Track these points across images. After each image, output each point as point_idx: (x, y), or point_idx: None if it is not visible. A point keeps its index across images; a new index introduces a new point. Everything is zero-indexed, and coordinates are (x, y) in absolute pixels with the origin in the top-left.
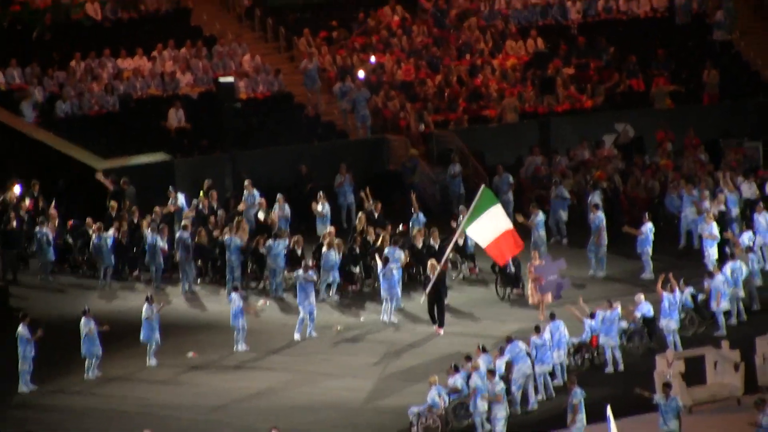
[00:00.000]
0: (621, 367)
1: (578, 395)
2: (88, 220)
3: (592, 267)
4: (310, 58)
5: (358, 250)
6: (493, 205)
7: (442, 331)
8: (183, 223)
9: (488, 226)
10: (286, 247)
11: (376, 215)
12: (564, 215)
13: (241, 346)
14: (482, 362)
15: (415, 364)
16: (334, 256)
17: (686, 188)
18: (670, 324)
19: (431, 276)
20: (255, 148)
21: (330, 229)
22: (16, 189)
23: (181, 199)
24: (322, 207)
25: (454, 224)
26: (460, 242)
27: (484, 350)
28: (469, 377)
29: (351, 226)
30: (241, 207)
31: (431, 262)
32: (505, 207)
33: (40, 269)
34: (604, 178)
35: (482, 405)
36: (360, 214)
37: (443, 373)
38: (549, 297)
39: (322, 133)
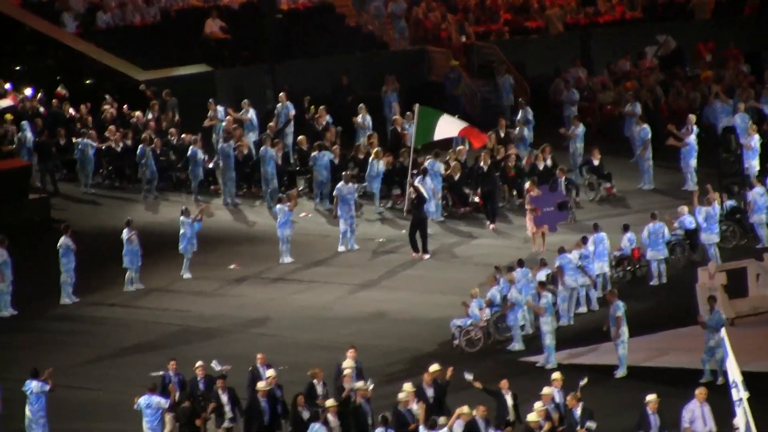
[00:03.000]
0: (664, 279)
1: (620, 308)
2: (185, 135)
3: (643, 180)
4: None
5: (485, 169)
6: (440, 115)
7: (427, 257)
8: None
9: (451, 123)
10: (332, 158)
11: (502, 135)
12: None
13: (286, 258)
14: (519, 275)
15: (456, 277)
16: (378, 167)
17: (723, 98)
18: (710, 237)
19: (412, 196)
20: (295, 59)
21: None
22: (28, 91)
23: (220, 111)
24: (362, 119)
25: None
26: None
27: (520, 264)
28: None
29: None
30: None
31: (416, 185)
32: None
33: (81, 181)
34: (634, 88)
35: (520, 318)
36: (490, 133)
37: (484, 285)
38: (545, 228)
39: (363, 45)
